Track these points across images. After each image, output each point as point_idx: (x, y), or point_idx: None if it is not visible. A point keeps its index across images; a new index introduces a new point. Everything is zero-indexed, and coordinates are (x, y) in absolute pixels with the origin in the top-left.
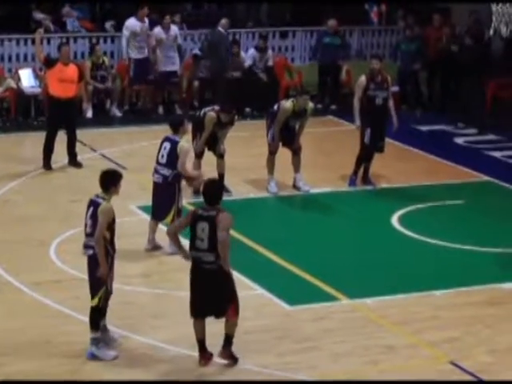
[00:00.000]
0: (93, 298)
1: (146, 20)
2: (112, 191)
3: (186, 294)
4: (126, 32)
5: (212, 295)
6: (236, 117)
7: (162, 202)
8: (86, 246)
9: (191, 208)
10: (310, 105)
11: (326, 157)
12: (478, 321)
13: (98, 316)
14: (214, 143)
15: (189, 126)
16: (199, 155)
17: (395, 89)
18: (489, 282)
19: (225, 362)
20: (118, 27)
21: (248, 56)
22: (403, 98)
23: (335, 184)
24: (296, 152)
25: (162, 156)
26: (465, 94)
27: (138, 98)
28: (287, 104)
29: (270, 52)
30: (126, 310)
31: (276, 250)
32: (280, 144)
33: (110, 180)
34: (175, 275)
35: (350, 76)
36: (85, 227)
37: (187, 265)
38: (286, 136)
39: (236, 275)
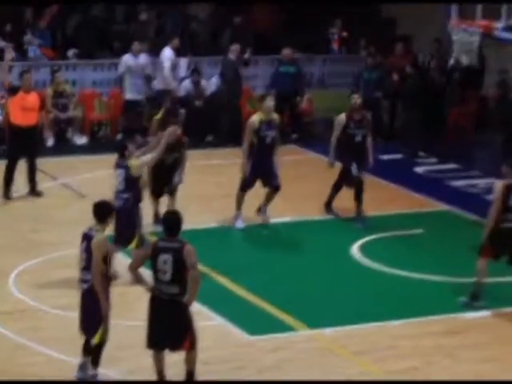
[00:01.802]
0: (92, 335)
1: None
2: (107, 222)
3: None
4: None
5: (169, 327)
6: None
7: (125, 228)
8: (82, 280)
9: (152, 238)
10: (275, 115)
11: (287, 186)
12: (437, 350)
13: (100, 353)
14: (166, 175)
15: (134, 148)
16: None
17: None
18: (448, 312)
19: None
20: (80, 55)
21: (210, 84)
22: None
23: (297, 213)
24: (275, 191)
25: (119, 183)
26: (426, 123)
27: (100, 125)
28: (252, 117)
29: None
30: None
31: (236, 279)
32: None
33: (106, 211)
34: (137, 305)
35: (310, 105)
36: (80, 261)
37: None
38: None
39: (196, 305)
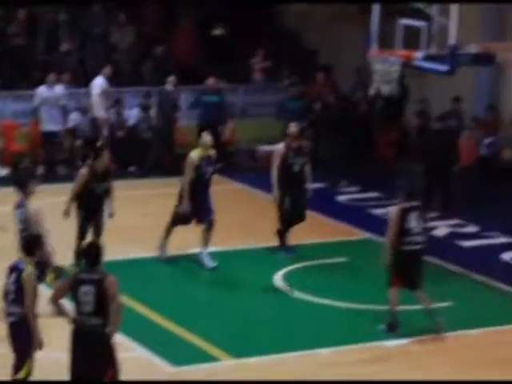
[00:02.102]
0: (18, 369)
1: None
2: (36, 255)
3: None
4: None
5: (92, 359)
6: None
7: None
8: (8, 314)
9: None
10: (213, 151)
11: None
12: (362, 378)
13: None
14: (96, 205)
15: (34, 186)
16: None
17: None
18: (372, 340)
19: None
20: (0, 86)
21: (132, 115)
22: None
23: (220, 243)
24: (209, 226)
25: (19, 222)
26: (348, 152)
27: (21, 157)
28: (192, 154)
29: (153, 111)
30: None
31: (159, 310)
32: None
33: (35, 244)
34: (59, 337)
35: (234, 134)
36: (5, 294)
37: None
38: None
39: (120, 337)
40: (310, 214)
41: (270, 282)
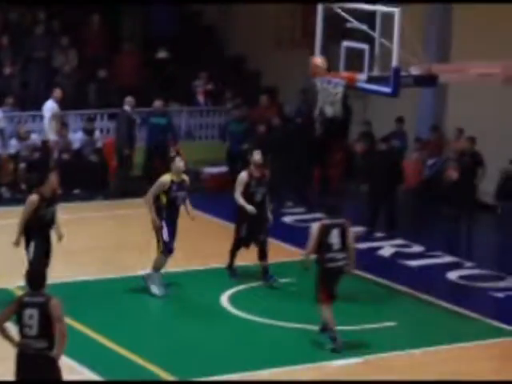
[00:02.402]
0: None
1: None
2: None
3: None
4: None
5: (37, 382)
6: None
7: None
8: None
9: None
10: (185, 176)
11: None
12: None
13: None
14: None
15: None
16: None
17: (224, 168)
18: (319, 360)
19: None
20: None
21: (76, 138)
22: (232, 178)
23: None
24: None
25: None
26: (293, 173)
27: None
28: (163, 177)
29: (97, 134)
30: None
31: (104, 332)
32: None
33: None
34: (3, 361)
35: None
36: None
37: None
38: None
39: (64, 359)
40: None
41: (215, 303)
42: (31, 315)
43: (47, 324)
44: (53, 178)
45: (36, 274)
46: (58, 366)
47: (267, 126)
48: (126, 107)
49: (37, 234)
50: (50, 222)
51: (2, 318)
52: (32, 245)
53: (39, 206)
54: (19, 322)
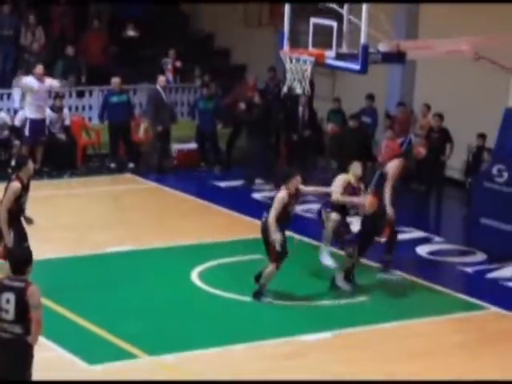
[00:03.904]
0: None
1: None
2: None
3: None
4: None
5: (12, 367)
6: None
7: None
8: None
9: None
10: None
11: (124, 214)
12: (277, 373)
13: None
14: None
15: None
16: None
17: (194, 146)
18: (287, 335)
19: None
20: None
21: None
22: (202, 155)
23: (136, 241)
24: None
25: None
26: (261, 151)
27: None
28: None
29: (66, 111)
30: None
31: (75, 309)
32: None
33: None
34: None
35: (147, 134)
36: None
37: None
38: None
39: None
40: (226, 212)
41: (186, 279)
42: (8, 299)
43: (24, 310)
44: (30, 165)
45: (19, 259)
46: (32, 352)
47: (248, 104)
48: (158, 86)
49: (16, 219)
50: (24, 207)
51: None
52: (12, 230)
53: (20, 193)
54: None
